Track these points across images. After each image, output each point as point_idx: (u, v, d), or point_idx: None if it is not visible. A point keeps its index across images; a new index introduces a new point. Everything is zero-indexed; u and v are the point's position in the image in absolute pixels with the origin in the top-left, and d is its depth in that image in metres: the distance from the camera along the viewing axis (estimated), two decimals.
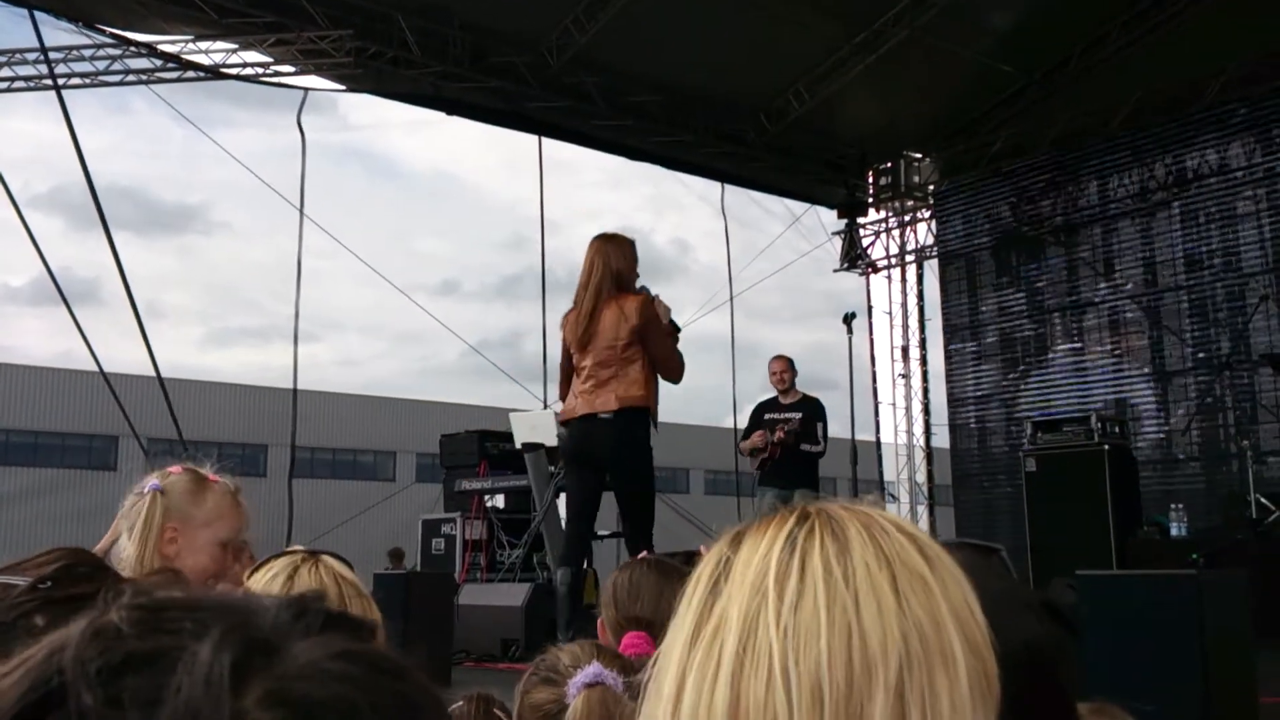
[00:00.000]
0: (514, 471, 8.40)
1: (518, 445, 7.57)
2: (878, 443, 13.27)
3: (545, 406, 9.47)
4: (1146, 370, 11.01)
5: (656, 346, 4.69)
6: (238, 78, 10.22)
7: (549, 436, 7.46)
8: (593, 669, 1.50)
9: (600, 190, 63.06)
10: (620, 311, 4.67)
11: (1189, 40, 10.19)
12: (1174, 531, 8.07)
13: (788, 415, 7.59)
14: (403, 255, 49.57)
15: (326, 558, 1.65)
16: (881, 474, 13.23)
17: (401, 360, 52.91)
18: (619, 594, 2.12)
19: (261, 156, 12.17)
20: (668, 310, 4.89)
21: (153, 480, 2.11)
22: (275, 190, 10.57)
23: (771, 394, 7.86)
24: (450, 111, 10.68)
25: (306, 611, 0.46)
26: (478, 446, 9.09)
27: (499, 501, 8.56)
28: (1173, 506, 8.23)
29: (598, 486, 4.95)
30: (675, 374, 4.76)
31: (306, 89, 10.45)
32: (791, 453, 7.44)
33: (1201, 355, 10.54)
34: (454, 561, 8.42)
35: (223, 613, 0.44)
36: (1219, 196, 10.64)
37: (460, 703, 1.93)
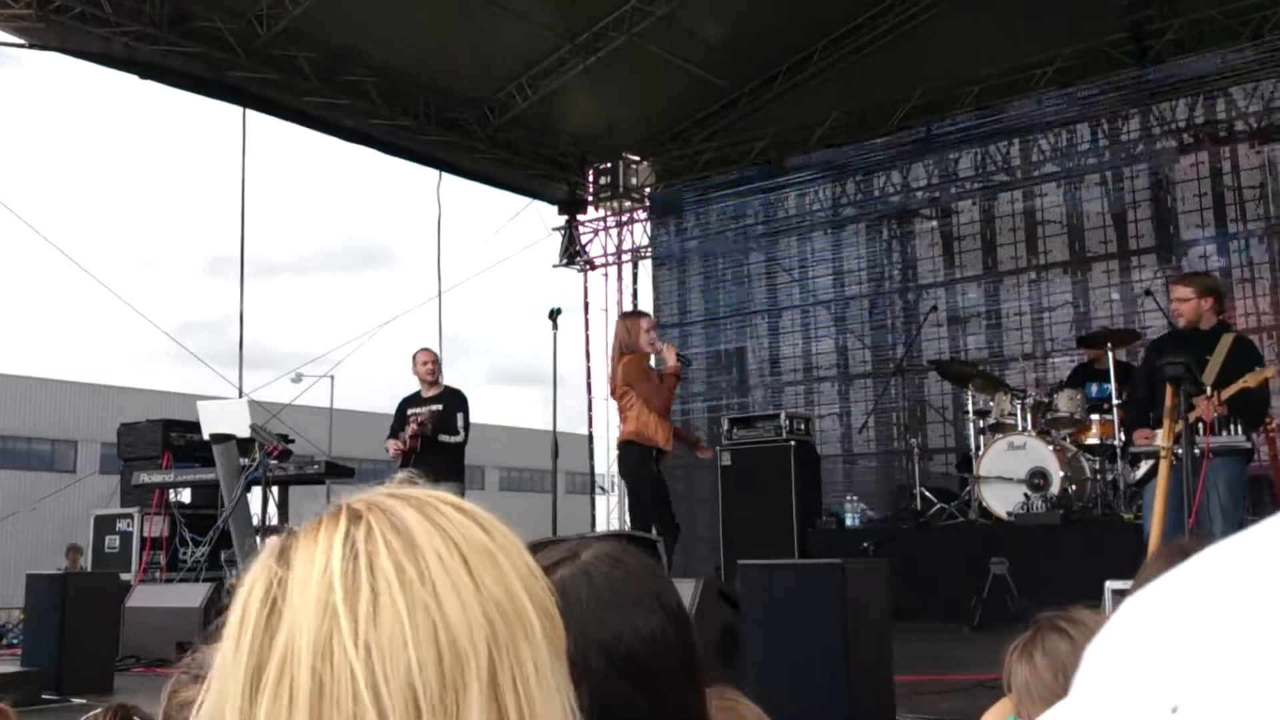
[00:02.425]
0: (202, 464, 7.91)
1: (205, 436, 7.12)
2: (590, 436, 13.52)
3: (240, 395, 8.97)
4: (832, 371, 11.86)
5: (640, 392, 6.47)
6: None
7: (241, 427, 7.07)
8: None
9: (318, 171, 60.72)
10: (619, 372, 6.56)
11: (883, 67, 11.05)
12: (849, 522, 8.74)
13: (429, 409, 7.59)
14: (96, 228, 45.65)
15: None
16: (593, 466, 13.50)
17: (92, 341, 48.81)
18: None
19: None
20: (674, 351, 6.84)
21: None
22: None
23: (418, 388, 7.81)
24: (144, 75, 9.90)
25: None
26: (161, 436, 8.49)
27: (184, 496, 8.03)
28: (849, 499, 8.92)
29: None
30: (653, 409, 6.45)
31: None
32: (431, 444, 7.44)
33: (878, 359, 11.47)
34: (130, 560, 7.83)
35: None
36: (900, 215, 11.61)
37: (98, 711, 1.83)
